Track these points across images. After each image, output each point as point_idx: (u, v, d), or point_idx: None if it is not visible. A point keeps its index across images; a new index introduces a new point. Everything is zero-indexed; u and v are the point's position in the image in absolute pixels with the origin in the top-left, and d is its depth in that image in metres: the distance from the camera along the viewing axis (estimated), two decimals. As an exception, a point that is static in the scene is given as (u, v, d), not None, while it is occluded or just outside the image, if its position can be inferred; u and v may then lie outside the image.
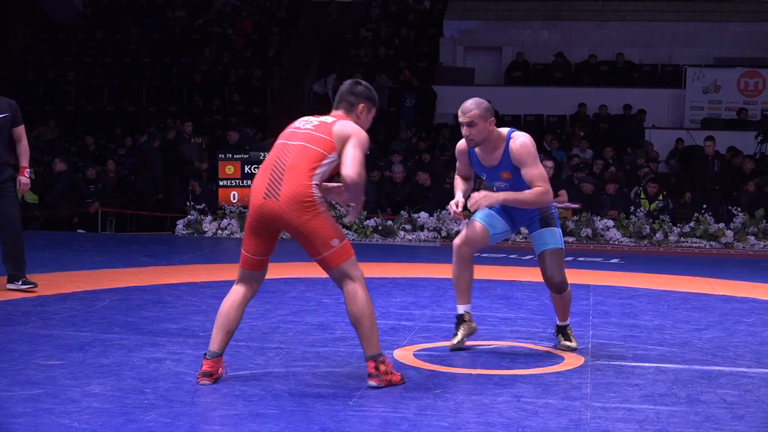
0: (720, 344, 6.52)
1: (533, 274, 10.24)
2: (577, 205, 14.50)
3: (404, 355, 5.93)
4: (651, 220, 14.21)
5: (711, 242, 13.85)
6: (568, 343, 6.20)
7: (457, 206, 5.89)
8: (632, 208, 14.60)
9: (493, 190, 6.06)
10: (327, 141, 5.09)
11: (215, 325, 5.19)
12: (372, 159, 17.40)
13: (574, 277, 10.00)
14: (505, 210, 6.11)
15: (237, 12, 24.39)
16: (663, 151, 19.48)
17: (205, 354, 5.18)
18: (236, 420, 4.39)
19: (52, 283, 8.62)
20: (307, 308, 7.62)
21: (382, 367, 5.09)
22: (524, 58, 22.76)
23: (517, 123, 21.03)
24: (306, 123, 5.24)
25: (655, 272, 10.72)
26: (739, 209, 14.24)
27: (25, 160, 8.26)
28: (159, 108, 21.16)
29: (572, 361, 5.86)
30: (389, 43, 23.42)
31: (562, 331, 6.28)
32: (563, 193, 14.60)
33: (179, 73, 22.24)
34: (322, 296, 8.25)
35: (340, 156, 5.08)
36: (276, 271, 8.99)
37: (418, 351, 6.06)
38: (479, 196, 5.79)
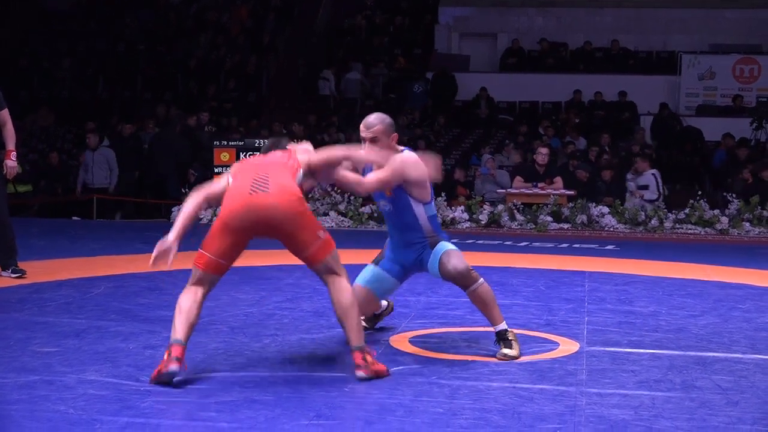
0: (715, 330, 6.52)
1: (528, 261, 10.26)
2: (572, 192, 14.52)
3: (400, 341, 5.93)
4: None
5: (706, 229, 13.87)
6: (507, 351, 5.52)
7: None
8: (628, 194, 14.61)
9: (379, 206, 5.86)
10: (294, 158, 5.27)
11: (178, 318, 4.98)
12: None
13: (569, 263, 10.04)
14: (396, 259, 5.86)
15: None
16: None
17: (172, 341, 4.92)
18: (232, 406, 4.39)
19: (47, 270, 8.62)
20: (303, 295, 7.62)
21: (369, 358, 5.02)
22: (519, 44, 22.74)
23: (512, 110, 21.04)
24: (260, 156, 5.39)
25: (650, 259, 10.73)
26: (734, 196, 14.25)
27: (11, 144, 8.07)
28: (154, 95, 21.12)
29: (567, 347, 5.86)
30: (384, 30, 23.38)
31: (502, 337, 5.60)
32: (558, 179, 14.61)
33: (174, 60, 22.20)
34: (317, 283, 8.20)
35: (304, 176, 5.22)
36: (271, 258, 8.99)
37: (413, 337, 6.07)
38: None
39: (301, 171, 5.21)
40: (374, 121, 5.60)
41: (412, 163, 5.56)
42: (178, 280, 8.14)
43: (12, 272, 8.09)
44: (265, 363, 5.26)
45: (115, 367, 5.10)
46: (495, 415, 4.34)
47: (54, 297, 7.28)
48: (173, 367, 4.75)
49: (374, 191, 5.64)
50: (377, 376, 4.98)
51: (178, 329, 4.93)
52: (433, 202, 5.76)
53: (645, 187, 14.92)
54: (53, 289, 7.63)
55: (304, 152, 5.34)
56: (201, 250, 5.06)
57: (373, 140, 5.56)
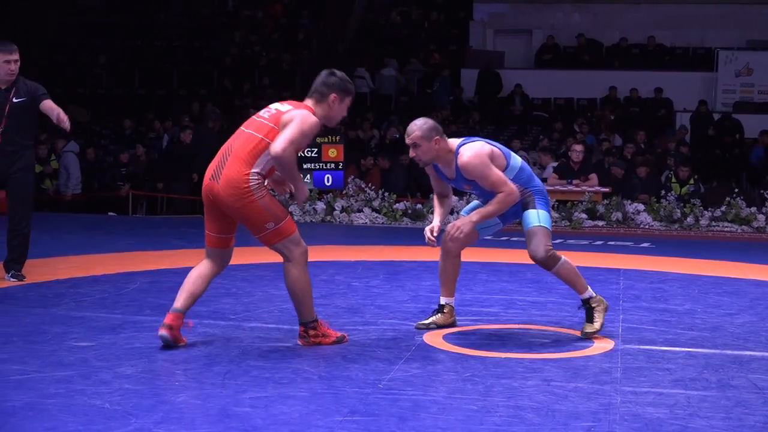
0: (751, 329, 6.48)
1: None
2: (607, 189, 14.45)
3: (434, 338, 5.93)
4: (682, 204, 14.14)
5: (743, 226, 13.76)
6: (588, 329, 5.96)
7: (431, 232, 5.93)
8: (663, 191, 14.52)
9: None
10: (273, 130, 5.38)
11: (181, 288, 5.57)
12: (401, 143, 17.40)
13: (604, 260, 9.99)
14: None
15: None
16: (694, 134, 19.36)
17: (170, 309, 5.54)
18: (266, 402, 4.41)
19: (83, 266, 8.68)
20: (337, 292, 7.63)
21: (312, 332, 5.56)
22: (554, 41, 22.64)
23: (547, 106, 20.97)
24: (266, 111, 5.56)
25: (685, 256, 10.66)
26: (771, 193, 14.13)
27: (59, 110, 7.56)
28: (189, 91, 21.22)
29: (602, 345, 5.84)
30: (419, 26, 23.36)
31: (586, 306, 6.00)
32: (593, 176, 14.55)
33: (209, 57, 22.29)
34: (352, 280, 8.26)
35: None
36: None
37: (447, 334, 6.06)
38: (457, 226, 5.83)
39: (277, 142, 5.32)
40: (413, 128, 5.84)
41: (481, 156, 5.78)
42: (213, 275, 8.19)
43: (11, 276, 7.78)
44: (300, 359, 5.28)
45: (150, 362, 5.13)
46: (529, 413, 4.33)
47: (90, 292, 7.33)
48: (162, 332, 5.42)
49: (516, 194, 5.82)
50: (321, 345, 5.55)
51: (178, 297, 5.54)
52: (510, 159, 5.94)
53: (544, 180, 15.19)
54: (89, 285, 7.69)
55: (293, 120, 5.38)
56: None
57: (414, 146, 5.82)
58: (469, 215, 5.90)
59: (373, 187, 14.83)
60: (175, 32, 23.10)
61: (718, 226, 13.83)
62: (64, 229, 12.50)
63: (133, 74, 22.14)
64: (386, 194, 14.67)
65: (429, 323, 6.22)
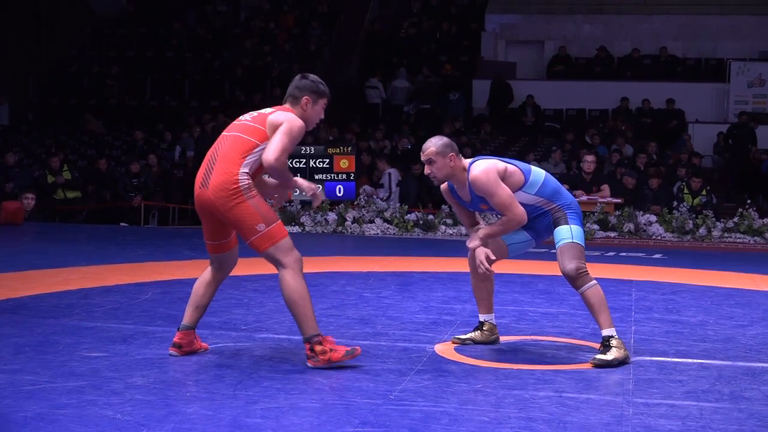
0: (764, 341, 6.45)
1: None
2: (619, 200, 14.44)
3: (445, 349, 5.92)
4: (694, 215, 14.12)
5: (755, 238, 13.73)
6: (599, 356, 5.54)
7: (488, 261, 5.77)
8: (675, 203, 14.50)
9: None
10: (260, 131, 5.36)
11: (189, 301, 5.61)
12: (413, 153, 17.41)
13: (616, 272, 9.97)
14: (528, 224, 5.86)
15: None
16: (706, 144, 19.34)
17: (178, 327, 5.58)
18: (277, 413, 4.40)
19: (95, 276, 8.70)
20: (348, 302, 7.62)
21: (318, 348, 5.25)
22: (566, 52, 22.65)
23: (559, 117, 20.97)
24: (248, 114, 5.57)
25: (698, 268, 10.64)
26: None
27: None
28: (201, 102, 21.27)
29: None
30: (431, 37, 23.39)
31: (606, 343, 5.59)
32: (605, 187, 14.54)
33: (221, 67, 22.34)
34: (363, 290, 8.25)
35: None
36: (316, 266, 9.02)
37: (459, 346, 6.05)
38: (481, 258, 5.70)
39: (266, 144, 5.30)
40: (428, 144, 5.74)
41: (491, 172, 5.64)
42: (223, 286, 8.16)
43: None
44: (311, 370, 5.27)
45: (162, 373, 5.13)
46: (541, 425, 4.32)
47: (102, 303, 7.34)
48: (171, 352, 5.52)
49: (521, 217, 5.65)
50: (329, 364, 5.24)
51: (186, 313, 5.60)
52: (529, 177, 5.78)
53: (382, 186, 15.91)
54: (101, 295, 7.70)
55: (282, 125, 5.34)
56: None
57: (429, 162, 5.71)
58: (477, 233, 5.75)
59: (384, 199, 14.85)
60: (186, 43, 23.17)
61: (731, 237, 13.80)
62: (76, 239, 12.53)
63: (145, 85, 22.21)
64: (397, 205, 14.67)
65: (465, 339, 6.07)
